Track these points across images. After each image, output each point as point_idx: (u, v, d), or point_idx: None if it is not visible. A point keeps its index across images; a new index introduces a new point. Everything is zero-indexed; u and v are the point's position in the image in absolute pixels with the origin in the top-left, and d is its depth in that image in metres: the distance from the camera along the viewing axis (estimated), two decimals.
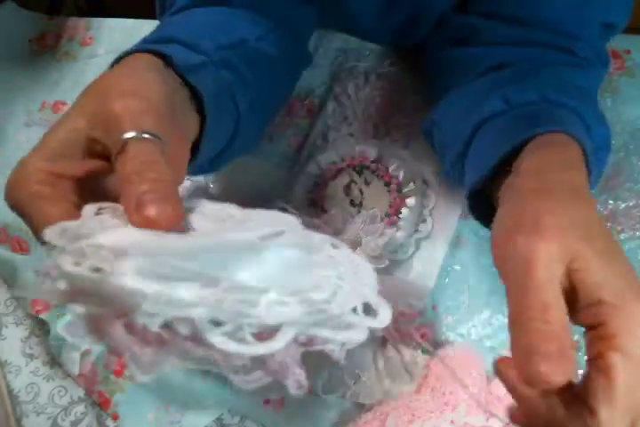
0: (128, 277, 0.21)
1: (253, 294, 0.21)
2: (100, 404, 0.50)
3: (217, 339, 0.21)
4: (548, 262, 0.25)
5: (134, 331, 0.22)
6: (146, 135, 0.26)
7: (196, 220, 0.27)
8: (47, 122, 0.66)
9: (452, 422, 0.44)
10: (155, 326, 0.21)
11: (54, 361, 0.53)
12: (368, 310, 0.25)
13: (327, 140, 0.57)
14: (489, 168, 0.34)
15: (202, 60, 0.35)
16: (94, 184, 0.28)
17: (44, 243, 0.24)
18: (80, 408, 0.51)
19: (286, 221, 0.28)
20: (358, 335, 0.24)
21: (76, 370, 0.51)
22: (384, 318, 0.25)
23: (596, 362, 0.24)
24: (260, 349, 0.21)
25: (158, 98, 0.29)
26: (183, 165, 0.31)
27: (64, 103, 0.67)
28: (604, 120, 0.38)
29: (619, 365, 0.24)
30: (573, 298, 0.26)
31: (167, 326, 0.21)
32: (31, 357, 0.54)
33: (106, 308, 0.22)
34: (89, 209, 0.25)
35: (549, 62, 0.41)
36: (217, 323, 0.21)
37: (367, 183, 0.53)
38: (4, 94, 0.68)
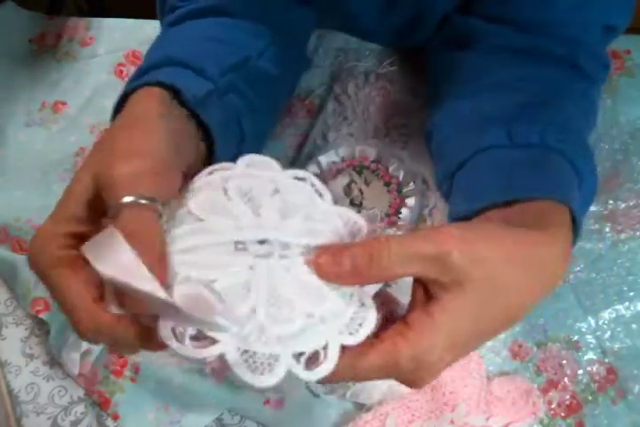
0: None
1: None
2: (100, 404, 0.50)
3: (163, 330, 0.24)
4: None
5: None
6: (142, 200, 0.26)
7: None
8: (47, 122, 0.66)
9: (451, 422, 0.44)
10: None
11: (54, 361, 0.53)
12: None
13: (327, 141, 0.57)
14: (476, 210, 0.34)
15: (208, 90, 0.36)
16: None
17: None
18: (80, 408, 0.51)
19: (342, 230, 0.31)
20: (266, 382, 0.24)
21: (75, 370, 0.51)
22: (320, 371, 0.25)
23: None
24: (190, 353, 0.24)
25: (160, 151, 0.29)
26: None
27: (64, 103, 0.67)
28: (594, 168, 0.38)
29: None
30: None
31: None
32: (31, 357, 0.54)
33: None
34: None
35: (553, 86, 0.40)
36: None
37: (367, 183, 0.53)
38: (4, 94, 0.68)
